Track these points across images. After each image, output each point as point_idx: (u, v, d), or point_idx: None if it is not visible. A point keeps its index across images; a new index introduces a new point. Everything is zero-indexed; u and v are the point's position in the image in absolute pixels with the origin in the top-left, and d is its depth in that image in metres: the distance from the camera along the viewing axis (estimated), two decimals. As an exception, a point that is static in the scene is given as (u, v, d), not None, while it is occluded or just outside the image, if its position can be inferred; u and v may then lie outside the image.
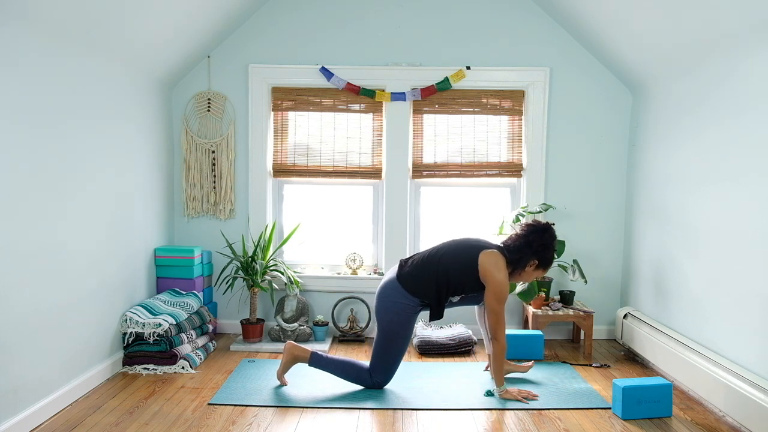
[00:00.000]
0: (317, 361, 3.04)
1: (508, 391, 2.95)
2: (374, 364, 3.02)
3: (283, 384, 3.09)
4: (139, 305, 3.40)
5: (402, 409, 2.84)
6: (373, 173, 4.10)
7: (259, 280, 3.80)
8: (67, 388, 2.80)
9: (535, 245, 2.88)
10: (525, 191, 4.07)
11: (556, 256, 3.00)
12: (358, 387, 3.07)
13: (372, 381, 3.03)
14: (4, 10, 2.28)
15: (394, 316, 2.93)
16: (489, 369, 3.24)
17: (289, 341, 3.14)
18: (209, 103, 4.02)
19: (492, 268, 2.83)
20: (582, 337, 3.94)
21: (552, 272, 4.00)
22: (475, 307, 3.20)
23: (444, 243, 3.04)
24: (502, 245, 2.98)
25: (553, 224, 3.03)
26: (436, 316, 2.98)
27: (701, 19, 2.77)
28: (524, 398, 2.92)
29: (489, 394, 3.01)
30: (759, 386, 2.49)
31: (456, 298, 3.01)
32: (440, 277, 2.89)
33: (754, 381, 2.53)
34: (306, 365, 3.15)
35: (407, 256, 3.10)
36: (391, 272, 3.05)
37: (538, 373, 3.35)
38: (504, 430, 2.63)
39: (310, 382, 3.14)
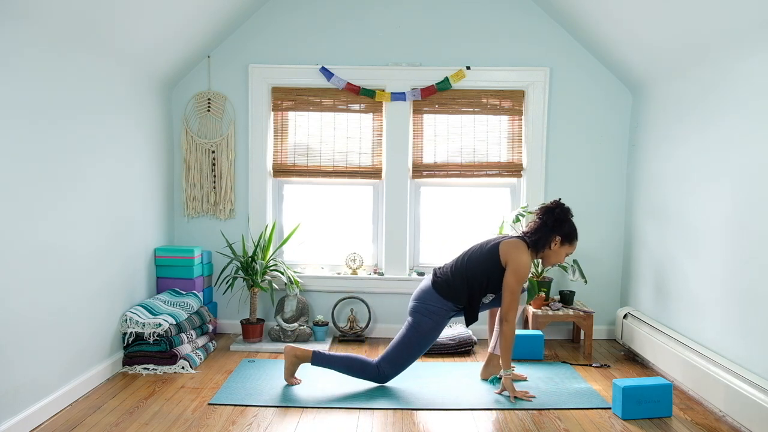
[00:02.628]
0: (320, 360, 3.05)
1: (510, 380, 2.97)
2: (390, 355, 3.03)
3: (296, 384, 3.10)
4: (139, 305, 3.40)
5: (402, 409, 2.84)
6: (373, 173, 4.10)
7: (259, 280, 3.80)
8: (67, 388, 2.80)
9: (550, 222, 2.99)
10: (525, 191, 4.06)
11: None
12: (358, 388, 3.07)
13: (379, 372, 3.04)
14: (3, 9, 2.28)
15: (428, 317, 3.01)
16: (483, 372, 3.25)
17: (287, 345, 3.14)
18: (209, 103, 4.02)
19: (513, 251, 2.95)
20: (582, 337, 3.94)
21: (552, 272, 4.00)
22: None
23: (468, 248, 3.13)
24: (521, 234, 3.08)
25: (560, 199, 3.13)
26: (471, 319, 3.05)
27: (701, 19, 2.77)
28: (514, 397, 2.92)
29: (496, 380, 3.08)
30: (759, 386, 2.49)
31: (488, 299, 3.09)
32: (470, 281, 2.98)
33: (754, 381, 2.53)
34: (307, 366, 3.15)
35: (439, 266, 3.18)
36: (427, 279, 3.14)
37: (538, 372, 3.35)
38: (504, 430, 2.64)
39: (310, 382, 3.14)
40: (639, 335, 3.50)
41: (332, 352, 3.10)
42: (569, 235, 3.02)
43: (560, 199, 3.14)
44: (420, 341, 3.01)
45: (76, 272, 2.88)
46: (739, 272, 2.75)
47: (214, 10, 3.52)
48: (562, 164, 4.04)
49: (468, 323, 3.07)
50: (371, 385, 3.11)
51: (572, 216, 3.05)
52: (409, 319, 3.05)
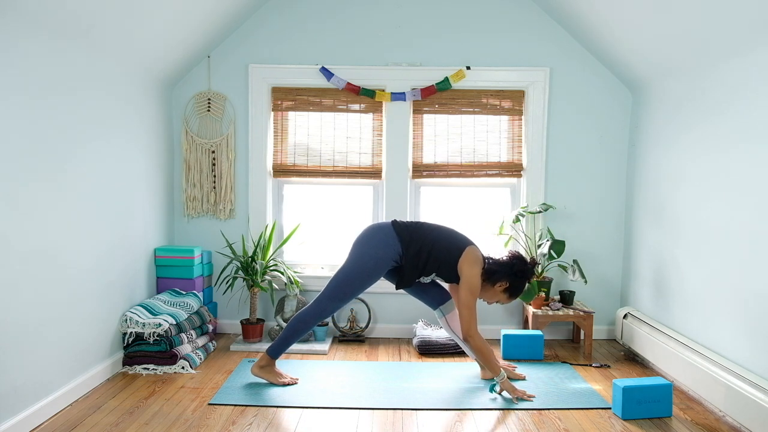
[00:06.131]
0: (274, 351, 3.09)
1: (507, 381, 2.97)
2: (331, 291, 3.04)
3: (293, 383, 3.10)
4: (139, 305, 3.40)
5: (402, 409, 2.84)
6: (373, 173, 4.10)
7: (259, 280, 3.80)
8: (67, 388, 2.80)
9: (515, 269, 3.04)
10: (525, 191, 4.07)
11: (528, 285, 3.21)
12: (359, 388, 3.08)
13: (320, 311, 3.03)
14: (1, 8, 2.28)
15: (375, 250, 3.03)
16: (483, 373, 3.25)
17: (251, 368, 3.15)
18: (209, 103, 4.02)
19: (471, 261, 3.00)
20: (582, 337, 3.94)
21: (552, 272, 4.00)
22: (439, 318, 3.26)
23: (438, 224, 3.18)
24: (484, 255, 3.12)
25: (538, 264, 3.32)
26: (404, 283, 3.08)
27: (701, 18, 2.77)
28: (516, 398, 2.92)
29: (492, 388, 3.03)
30: (759, 386, 2.49)
31: (426, 279, 3.13)
32: (424, 247, 3.03)
33: (754, 381, 2.53)
34: (306, 366, 3.15)
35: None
36: (383, 222, 3.22)
37: (538, 372, 3.35)
38: (504, 430, 2.64)
39: (310, 382, 3.14)
40: (639, 335, 3.50)
41: (278, 337, 3.10)
42: (515, 290, 3.07)
43: (539, 264, 3.32)
44: (361, 275, 3.02)
45: (76, 272, 2.88)
46: (739, 272, 2.75)
47: (214, 10, 3.52)
48: (562, 164, 4.04)
49: (398, 287, 3.10)
50: (371, 385, 3.12)
51: (530, 282, 3.17)
52: (351, 254, 3.07)
